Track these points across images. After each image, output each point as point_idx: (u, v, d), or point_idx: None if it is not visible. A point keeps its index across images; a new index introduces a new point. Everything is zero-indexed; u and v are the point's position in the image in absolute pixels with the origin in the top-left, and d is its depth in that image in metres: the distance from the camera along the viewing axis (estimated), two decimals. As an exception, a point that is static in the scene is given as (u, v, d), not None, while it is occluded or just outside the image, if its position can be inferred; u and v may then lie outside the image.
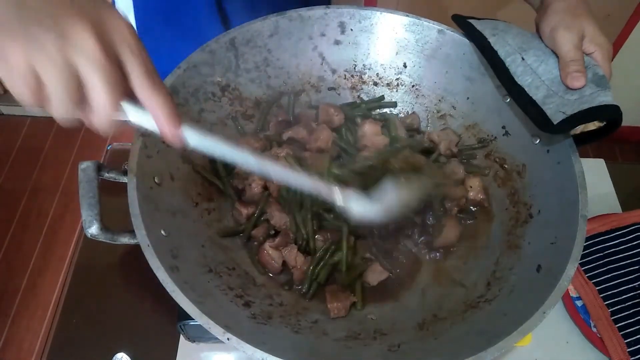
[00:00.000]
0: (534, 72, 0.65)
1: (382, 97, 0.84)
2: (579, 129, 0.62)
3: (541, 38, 0.67)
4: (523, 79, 0.65)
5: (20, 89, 0.37)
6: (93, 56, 0.36)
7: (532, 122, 0.64)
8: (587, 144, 0.64)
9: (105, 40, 0.37)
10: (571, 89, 0.62)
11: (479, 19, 0.74)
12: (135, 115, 0.43)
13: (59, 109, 0.38)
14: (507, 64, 0.67)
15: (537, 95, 0.64)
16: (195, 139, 0.46)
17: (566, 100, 0.61)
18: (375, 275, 0.69)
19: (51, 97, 0.37)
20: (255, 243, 0.71)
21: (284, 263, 0.68)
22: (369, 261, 0.71)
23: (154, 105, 0.42)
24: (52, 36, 0.35)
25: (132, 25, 0.40)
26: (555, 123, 0.60)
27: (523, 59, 0.66)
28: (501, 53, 0.68)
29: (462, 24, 0.74)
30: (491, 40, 0.70)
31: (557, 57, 0.64)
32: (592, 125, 0.62)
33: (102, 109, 0.39)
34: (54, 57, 0.35)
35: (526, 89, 0.65)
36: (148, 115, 0.43)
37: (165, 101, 0.42)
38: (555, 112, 0.61)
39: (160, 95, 0.41)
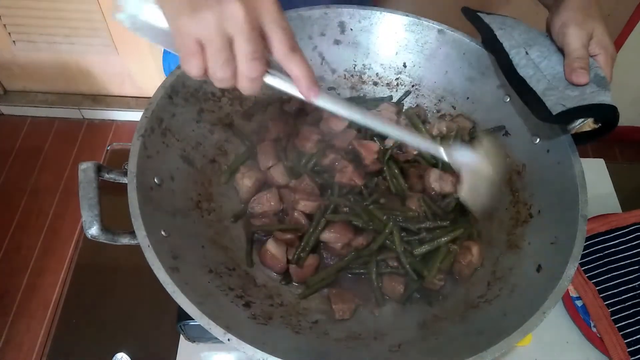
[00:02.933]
0: (536, 66, 0.66)
1: (391, 97, 0.84)
2: (575, 128, 0.63)
3: (550, 33, 0.68)
4: (525, 71, 0.66)
5: (187, 53, 0.46)
6: (242, 27, 0.44)
7: (531, 111, 0.64)
8: (580, 145, 0.65)
9: (253, 15, 0.45)
10: (574, 84, 0.62)
11: (488, 13, 0.75)
12: (278, 82, 0.51)
13: (216, 72, 0.46)
14: (510, 56, 0.68)
15: (537, 87, 0.64)
16: (328, 102, 0.53)
17: (566, 95, 0.62)
18: (396, 287, 0.67)
19: (210, 60, 0.46)
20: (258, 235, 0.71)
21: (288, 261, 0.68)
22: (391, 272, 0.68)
23: (295, 69, 0.49)
24: (213, 12, 0.44)
25: (277, 2, 0.46)
26: (554, 114, 0.60)
27: (527, 53, 0.67)
28: (506, 45, 0.69)
29: (471, 16, 0.75)
30: (498, 33, 0.70)
31: (562, 55, 0.65)
32: (587, 127, 0.62)
33: (247, 71, 0.46)
34: (214, 28, 0.44)
35: (527, 80, 0.65)
36: (289, 82, 0.50)
37: (305, 66, 0.49)
38: (555, 103, 0.61)
39: (301, 61, 0.49)
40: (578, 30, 0.63)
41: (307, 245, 0.68)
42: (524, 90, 0.65)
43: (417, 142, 0.62)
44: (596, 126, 0.62)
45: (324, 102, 0.53)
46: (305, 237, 0.68)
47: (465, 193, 0.65)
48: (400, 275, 0.68)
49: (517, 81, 0.66)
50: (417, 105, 0.84)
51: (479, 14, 0.74)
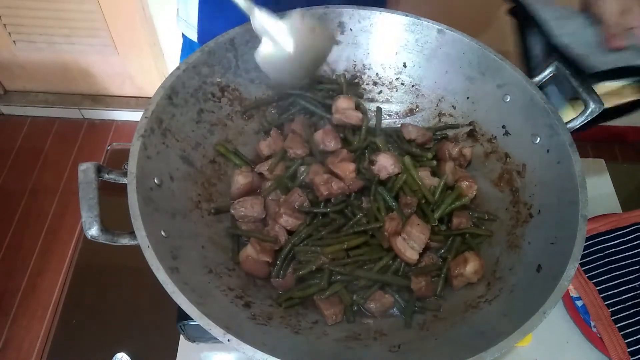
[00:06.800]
0: (572, 35, 0.70)
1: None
2: (614, 102, 0.68)
3: (586, 9, 0.72)
4: (559, 40, 0.70)
5: None
6: None
7: (576, 65, 0.67)
8: (612, 119, 0.69)
9: None
10: (611, 48, 0.67)
11: None
12: None
13: None
14: (547, 25, 0.72)
15: (575, 50, 0.69)
16: None
17: (606, 56, 0.66)
18: (380, 305, 0.66)
19: None
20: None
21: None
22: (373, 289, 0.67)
23: None
24: None
25: None
26: (600, 70, 0.65)
27: (564, 26, 0.71)
28: (543, 16, 0.73)
29: None
30: (537, 6, 0.74)
31: (596, 28, 0.69)
32: (627, 96, 0.68)
33: None
34: None
35: (563, 48, 0.69)
36: None
37: None
38: (598, 62, 0.66)
39: None
40: (614, 1, 0.67)
41: (285, 260, 0.67)
42: (562, 52, 0.69)
43: None
44: (630, 99, 0.67)
45: None
46: (284, 253, 0.67)
47: (261, 58, 0.67)
48: (386, 291, 0.67)
49: (554, 45, 0.70)
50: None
51: None
